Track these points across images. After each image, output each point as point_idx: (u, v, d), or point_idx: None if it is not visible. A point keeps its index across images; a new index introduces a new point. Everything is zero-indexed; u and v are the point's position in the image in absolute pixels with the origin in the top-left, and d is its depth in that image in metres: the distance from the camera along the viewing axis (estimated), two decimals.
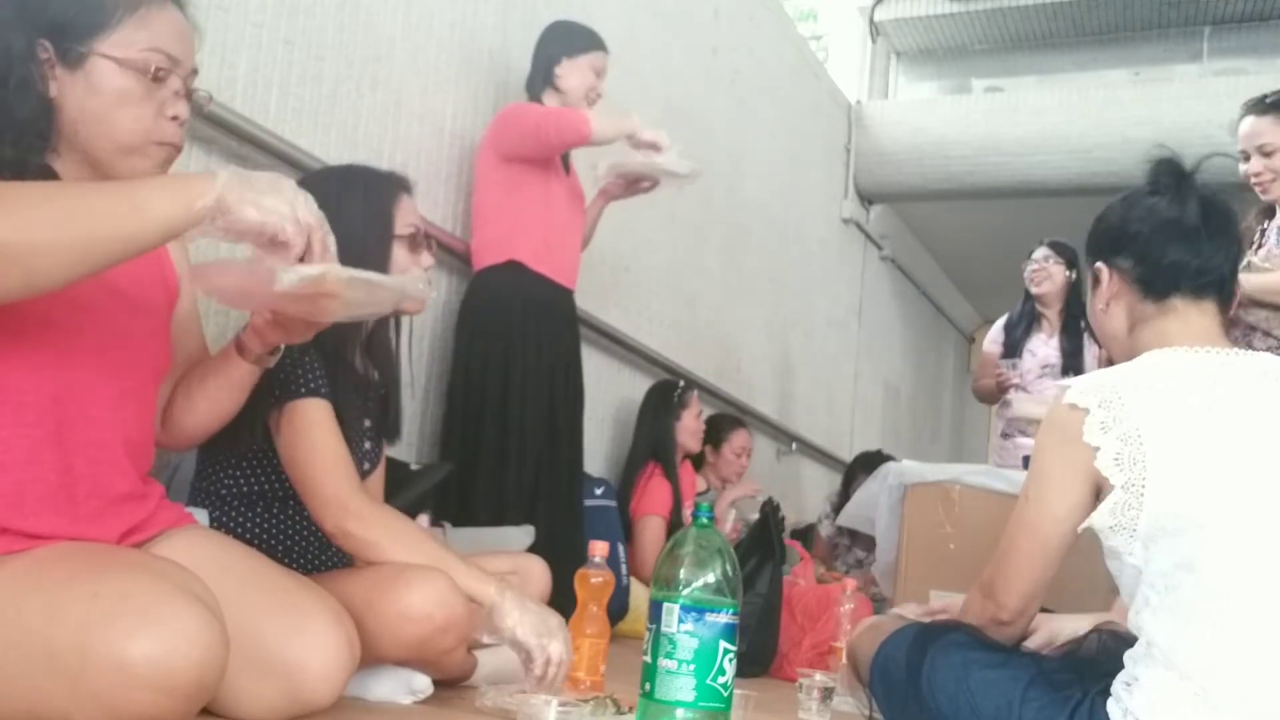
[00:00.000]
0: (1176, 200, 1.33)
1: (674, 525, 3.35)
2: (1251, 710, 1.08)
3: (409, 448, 2.72)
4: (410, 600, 1.45)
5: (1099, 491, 1.24)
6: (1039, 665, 1.32)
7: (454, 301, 2.90)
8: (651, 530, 3.36)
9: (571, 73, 2.79)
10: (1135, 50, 6.21)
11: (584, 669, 1.82)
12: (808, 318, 5.58)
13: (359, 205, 1.70)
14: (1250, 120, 2.51)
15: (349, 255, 1.24)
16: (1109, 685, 1.20)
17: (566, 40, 2.83)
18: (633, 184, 2.90)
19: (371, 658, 1.46)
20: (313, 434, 1.56)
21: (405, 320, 1.85)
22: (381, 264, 1.66)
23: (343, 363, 1.67)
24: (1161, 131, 5.28)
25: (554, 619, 1.56)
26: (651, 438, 3.50)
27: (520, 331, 2.71)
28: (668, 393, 3.58)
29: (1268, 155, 2.47)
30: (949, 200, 6.15)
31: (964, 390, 9.13)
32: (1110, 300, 1.39)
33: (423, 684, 1.57)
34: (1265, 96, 2.52)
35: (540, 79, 2.82)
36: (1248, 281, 2.25)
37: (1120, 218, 1.39)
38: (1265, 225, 2.51)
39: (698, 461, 3.86)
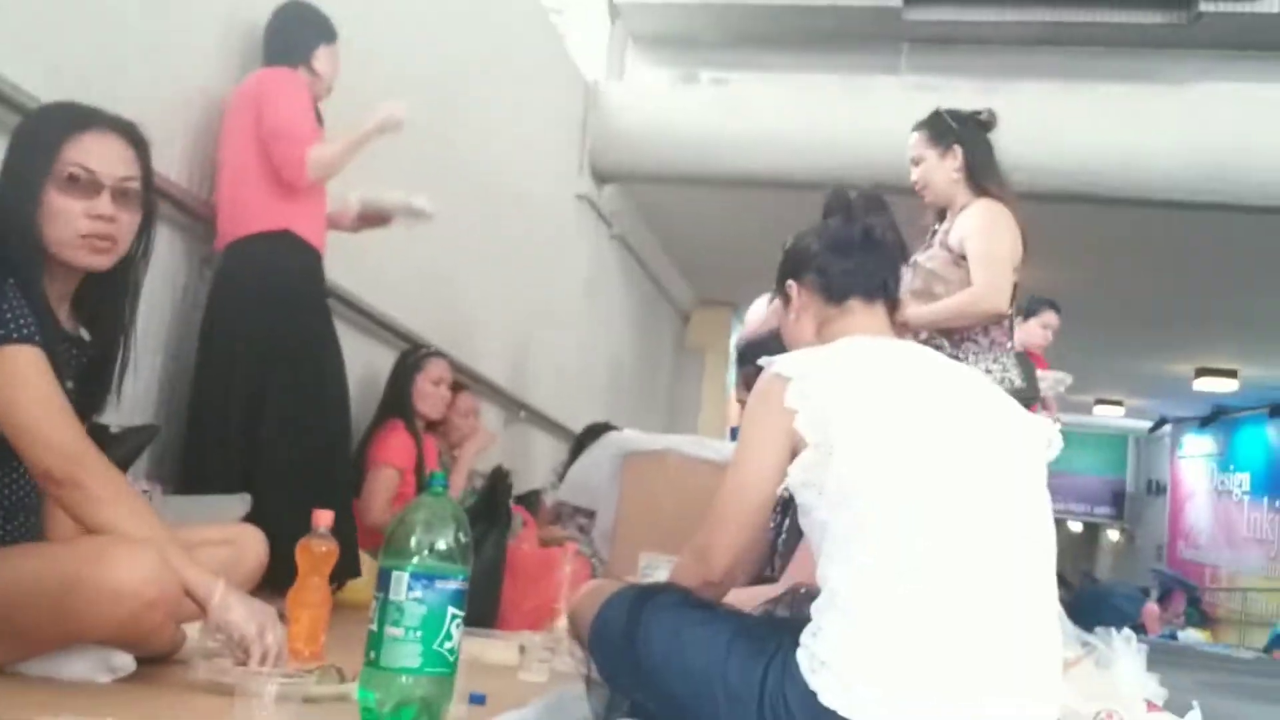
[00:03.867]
0: (846, 223, 1.66)
1: (419, 483, 3.32)
2: (914, 649, 1.24)
3: (134, 412, 2.55)
4: (119, 576, 1.36)
5: (795, 452, 1.40)
6: (741, 621, 1.46)
7: (181, 259, 2.71)
8: (383, 480, 3.32)
9: (328, 60, 2.84)
10: (845, 59, 6.71)
11: (303, 640, 1.79)
12: (541, 289, 5.65)
13: (27, 140, 1.57)
14: (911, 136, 2.91)
15: None
16: (800, 637, 1.33)
17: (325, 27, 2.87)
18: (372, 219, 2.99)
19: (70, 637, 1.37)
20: (33, 378, 1.43)
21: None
22: (28, 207, 1.52)
23: (48, 314, 1.52)
24: (864, 135, 5.77)
25: (268, 609, 1.54)
26: (389, 399, 3.54)
27: (296, 305, 2.69)
28: (404, 358, 3.64)
29: (917, 165, 2.85)
30: (676, 185, 6.41)
31: (680, 365, 9.62)
32: (800, 311, 1.65)
33: (123, 661, 1.48)
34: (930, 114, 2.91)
35: (298, 56, 2.79)
36: (915, 317, 2.62)
37: (803, 244, 1.69)
38: (937, 227, 2.87)
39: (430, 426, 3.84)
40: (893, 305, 1.64)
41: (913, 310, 2.63)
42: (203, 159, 2.78)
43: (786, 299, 1.69)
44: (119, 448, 2.14)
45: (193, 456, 2.62)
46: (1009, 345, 2.71)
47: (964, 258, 2.69)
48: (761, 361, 1.50)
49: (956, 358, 2.54)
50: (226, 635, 1.48)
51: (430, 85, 4.14)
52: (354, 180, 3.00)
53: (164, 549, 1.45)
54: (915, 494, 1.32)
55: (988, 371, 2.56)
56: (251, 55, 2.88)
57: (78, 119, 1.60)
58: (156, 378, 2.67)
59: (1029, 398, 2.55)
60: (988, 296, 2.62)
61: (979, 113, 2.85)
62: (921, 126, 2.87)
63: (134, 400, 2.57)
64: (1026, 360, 2.64)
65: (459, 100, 4.45)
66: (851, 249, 1.63)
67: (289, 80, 2.74)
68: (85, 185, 1.56)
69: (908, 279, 2.80)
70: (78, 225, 1.54)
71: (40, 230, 1.53)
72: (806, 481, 1.38)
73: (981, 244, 2.67)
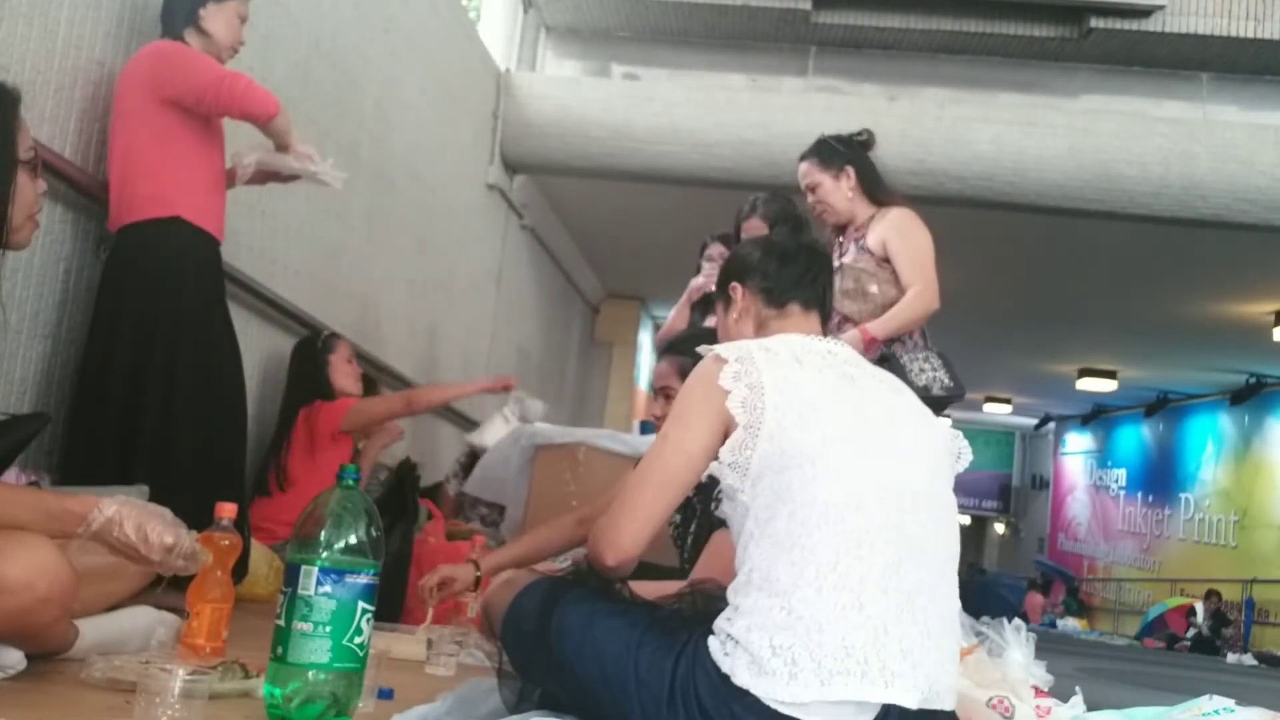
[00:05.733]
0: (793, 233, 1.66)
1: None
2: (827, 630, 1.28)
3: (22, 399, 2.44)
4: (7, 570, 1.31)
5: (727, 433, 1.43)
6: (653, 614, 1.48)
7: (73, 240, 2.59)
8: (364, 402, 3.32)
9: (218, 17, 2.67)
10: (754, 59, 6.83)
11: (205, 635, 1.74)
12: (449, 279, 5.59)
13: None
14: (801, 165, 3.02)
15: None
16: (711, 627, 1.36)
17: None
18: (270, 175, 2.84)
19: None
20: None
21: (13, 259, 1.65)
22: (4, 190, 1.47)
23: None
24: (771, 135, 5.88)
25: (165, 510, 1.51)
26: (305, 385, 3.48)
27: (190, 292, 2.58)
28: (311, 343, 3.60)
29: (813, 191, 2.97)
30: (586, 178, 6.41)
31: (588, 356, 9.63)
32: (741, 313, 1.69)
33: (13, 659, 1.43)
34: (813, 144, 3.03)
35: (183, 17, 2.65)
36: (878, 329, 2.75)
37: (751, 250, 1.76)
38: (841, 238, 3.00)
39: None
40: (825, 316, 1.69)
41: (875, 324, 2.77)
42: (101, 135, 2.66)
43: (729, 300, 1.72)
44: (6, 436, 2.04)
45: (78, 447, 2.52)
46: (924, 343, 2.86)
47: (887, 260, 2.86)
48: (701, 349, 1.53)
49: (890, 354, 2.66)
50: (131, 533, 1.44)
51: (341, 61, 4.05)
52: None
53: (35, 502, 1.41)
54: (837, 479, 1.36)
55: (921, 370, 2.68)
56: (151, 29, 2.77)
57: (15, 95, 1.53)
58: (45, 364, 2.55)
59: (957, 396, 2.70)
60: (930, 296, 2.81)
61: (859, 134, 3.02)
62: (810, 155, 3.00)
63: (22, 386, 2.47)
64: (949, 359, 2.78)
65: (366, 82, 4.36)
66: (797, 258, 1.69)
67: (182, 47, 2.63)
68: (35, 164, 1.53)
69: (837, 280, 2.91)
70: (33, 206, 1.52)
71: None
72: (734, 463, 1.40)
73: (909, 249, 2.85)
